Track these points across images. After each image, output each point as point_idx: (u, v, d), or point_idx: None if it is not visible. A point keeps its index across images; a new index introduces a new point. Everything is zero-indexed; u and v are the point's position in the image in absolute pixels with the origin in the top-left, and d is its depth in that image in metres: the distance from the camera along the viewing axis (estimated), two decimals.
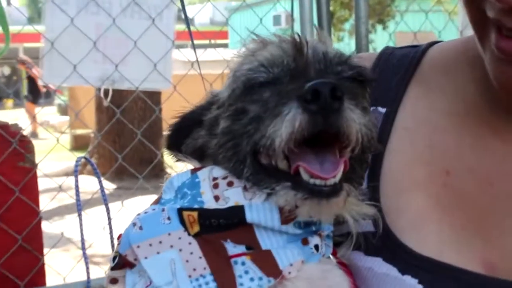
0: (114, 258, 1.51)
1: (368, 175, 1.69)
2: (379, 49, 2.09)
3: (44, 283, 4.10)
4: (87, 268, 4.19)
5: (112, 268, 1.53)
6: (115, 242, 1.57)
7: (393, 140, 1.74)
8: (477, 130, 1.70)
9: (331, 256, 1.54)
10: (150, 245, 1.46)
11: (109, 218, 4.18)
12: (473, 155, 1.67)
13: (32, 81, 25.99)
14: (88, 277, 4.20)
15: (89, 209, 7.72)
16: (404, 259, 1.58)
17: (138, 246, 1.46)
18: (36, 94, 27.56)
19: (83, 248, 4.23)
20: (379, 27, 24.36)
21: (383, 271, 1.59)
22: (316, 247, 1.49)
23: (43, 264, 4.03)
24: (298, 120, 1.36)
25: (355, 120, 1.39)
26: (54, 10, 4.19)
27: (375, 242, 1.60)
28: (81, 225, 4.22)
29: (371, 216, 1.57)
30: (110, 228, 4.12)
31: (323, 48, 1.54)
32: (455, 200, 1.63)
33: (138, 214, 1.53)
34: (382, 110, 1.79)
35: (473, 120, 1.71)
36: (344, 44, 24.17)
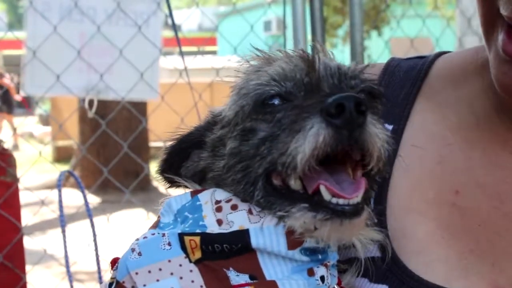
0: (110, 285, 1.50)
1: (376, 194, 1.68)
2: (374, 56, 2.08)
3: None
4: (71, 286, 4.18)
5: None
6: (100, 258, 1.57)
7: (401, 158, 1.73)
8: (487, 145, 1.70)
9: (336, 287, 1.53)
10: (149, 272, 1.44)
11: (94, 234, 4.18)
12: (483, 171, 1.67)
13: (5, 91, 25.77)
14: None
15: (73, 224, 7.71)
16: (411, 286, 1.58)
17: (137, 273, 1.45)
18: (10, 104, 27.32)
19: (67, 265, 4.22)
20: (373, 34, 24.40)
21: None
22: (322, 278, 1.47)
23: (25, 283, 4.01)
24: (322, 135, 1.34)
25: (378, 135, 1.38)
26: (36, 17, 4.18)
27: (382, 268, 1.60)
28: (64, 241, 4.22)
29: (379, 242, 1.56)
30: (95, 244, 4.11)
31: (334, 62, 1.53)
32: (464, 221, 1.63)
33: (137, 239, 1.51)
34: (389, 127, 1.77)
35: (482, 133, 1.72)
36: (337, 51, 24.19)
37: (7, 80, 26.67)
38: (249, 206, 1.48)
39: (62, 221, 4.22)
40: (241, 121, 1.52)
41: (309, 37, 4.70)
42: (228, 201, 1.50)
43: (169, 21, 4.72)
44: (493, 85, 1.61)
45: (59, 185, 4.22)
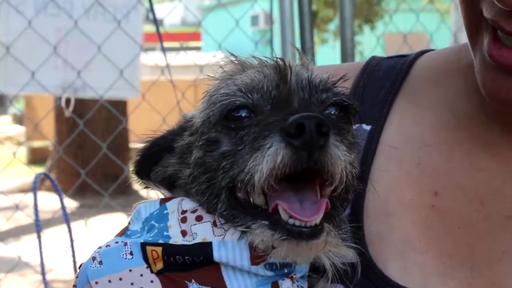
0: None
1: (353, 198, 1.67)
2: (366, 52, 2.09)
3: None
4: None
5: None
6: (78, 265, 1.57)
7: (379, 160, 1.74)
8: (467, 146, 1.72)
9: None
10: (110, 281, 1.45)
11: (71, 239, 4.18)
12: (463, 173, 1.69)
13: None
14: None
15: (49, 230, 7.70)
16: None
17: (97, 282, 1.46)
18: None
19: (43, 273, 4.23)
20: (366, 28, 24.42)
21: None
22: None
23: None
24: (281, 155, 1.34)
25: (341, 158, 1.38)
26: (9, 12, 4.18)
27: (355, 275, 1.58)
28: (40, 247, 4.21)
29: (350, 259, 1.55)
30: (73, 250, 4.12)
31: (307, 74, 1.52)
32: (443, 224, 1.65)
33: (99, 248, 1.51)
34: (367, 127, 1.79)
35: (463, 135, 1.73)
36: (328, 46, 24.21)
37: None
38: (214, 217, 1.48)
39: (38, 226, 4.21)
40: (207, 130, 1.53)
41: (297, 32, 4.71)
42: (193, 211, 1.50)
43: (151, 16, 4.73)
44: (476, 86, 1.63)
45: (34, 188, 4.22)
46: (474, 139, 1.70)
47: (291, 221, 1.38)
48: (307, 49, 4.66)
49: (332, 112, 1.51)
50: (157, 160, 1.66)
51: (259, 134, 1.40)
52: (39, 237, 4.27)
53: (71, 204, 14.93)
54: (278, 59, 1.54)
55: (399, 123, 1.78)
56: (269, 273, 1.46)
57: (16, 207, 5.59)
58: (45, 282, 4.18)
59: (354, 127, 1.71)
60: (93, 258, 1.48)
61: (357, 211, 1.67)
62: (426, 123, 1.77)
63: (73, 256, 4.02)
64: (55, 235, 6.77)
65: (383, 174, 1.72)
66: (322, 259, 1.51)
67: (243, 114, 1.47)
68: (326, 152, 1.35)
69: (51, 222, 6.31)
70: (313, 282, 1.59)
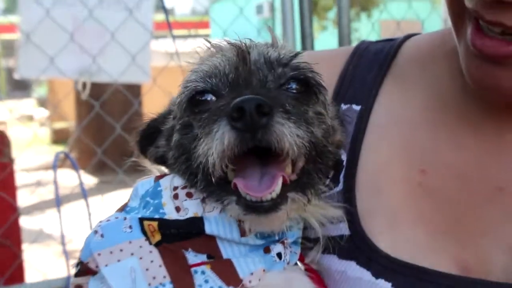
0: (77, 265, 1.51)
1: (344, 175, 1.69)
2: (363, 38, 2.08)
3: (23, 280, 4.11)
4: (67, 265, 4.21)
5: (76, 275, 1.52)
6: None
7: (368, 139, 1.74)
8: (452, 126, 1.70)
9: (298, 263, 1.54)
10: (111, 252, 1.46)
11: (89, 213, 4.21)
12: (449, 151, 1.68)
13: None
14: (69, 274, 4.21)
15: (69, 204, 7.73)
16: (378, 262, 1.58)
17: (99, 254, 1.46)
18: None
19: (63, 244, 4.25)
20: (363, 16, 24.34)
21: (357, 275, 1.59)
22: (279, 255, 1.49)
23: (22, 261, 4.04)
24: (227, 138, 1.35)
25: (287, 134, 1.36)
26: (29, 2, 4.18)
27: (350, 246, 1.61)
28: (60, 220, 4.24)
29: (338, 219, 1.57)
30: (90, 222, 4.14)
31: (267, 52, 1.51)
32: (431, 200, 1.64)
33: (100, 222, 1.53)
34: (357, 108, 1.78)
35: (449, 115, 1.71)
36: (328, 33, 24.10)
37: None
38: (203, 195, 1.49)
39: (58, 200, 4.24)
40: (180, 115, 1.54)
41: (298, 20, 4.70)
42: (183, 188, 1.51)
43: (161, 5, 4.72)
44: (460, 70, 1.62)
45: (54, 166, 4.24)
46: (458, 119, 1.69)
47: (248, 197, 1.38)
48: (306, 35, 4.66)
49: (293, 87, 1.49)
50: (152, 140, 1.67)
51: (210, 119, 1.40)
52: (59, 211, 4.30)
53: (89, 180, 14.99)
54: (242, 42, 1.52)
55: (387, 104, 1.77)
56: (259, 242, 1.47)
57: (39, 184, 5.60)
58: (65, 251, 4.21)
59: (345, 107, 1.70)
60: (95, 232, 1.49)
61: (350, 187, 1.67)
62: (413, 104, 1.76)
63: (91, 228, 4.04)
64: (75, 209, 6.79)
65: (372, 152, 1.71)
66: (311, 221, 1.53)
67: (208, 98, 1.47)
68: (269, 131, 1.34)
69: (71, 197, 6.32)
70: (307, 250, 1.60)
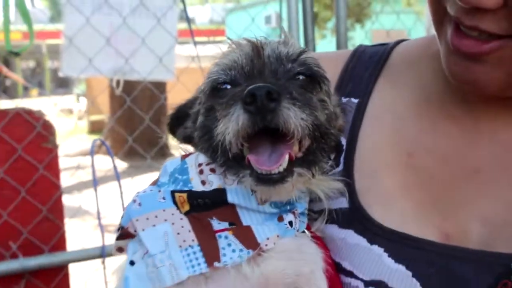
0: (118, 229, 1.52)
1: (344, 158, 1.70)
2: (357, 45, 2.09)
3: (64, 248, 4.12)
4: (103, 236, 4.22)
5: (117, 238, 1.53)
6: None
7: (364, 127, 1.74)
8: (435, 116, 1.70)
9: (306, 231, 1.54)
10: (147, 219, 1.46)
11: (121, 193, 4.21)
12: (432, 138, 1.68)
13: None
14: (103, 244, 4.23)
15: (104, 185, 7.74)
16: (372, 231, 1.58)
17: (137, 220, 1.47)
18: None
19: (99, 219, 4.26)
20: (357, 26, 24.27)
21: (355, 242, 1.59)
22: (290, 223, 1.49)
23: (63, 232, 4.05)
24: (241, 120, 1.37)
25: (292, 117, 1.37)
26: (72, 11, 4.19)
27: (348, 216, 1.62)
28: (96, 199, 4.25)
29: (339, 190, 1.58)
30: (122, 201, 4.14)
31: (279, 48, 1.52)
32: (416, 179, 1.64)
33: (138, 193, 1.53)
34: (355, 101, 1.79)
35: (432, 107, 1.71)
36: (326, 41, 24.05)
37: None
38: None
39: (95, 182, 4.25)
40: (204, 101, 1.55)
41: (302, 29, 4.69)
42: (207, 164, 1.51)
43: (184, 15, 4.71)
44: (442, 68, 1.62)
45: (92, 151, 4.25)
46: (440, 111, 1.69)
47: (259, 170, 1.39)
48: (309, 42, 4.65)
49: (300, 78, 1.50)
50: (181, 122, 1.67)
51: (228, 103, 1.42)
52: (95, 190, 4.31)
53: (121, 165, 15.01)
54: (257, 39, 1.54)
55: (380, 98, 1.78)
56: (274, 210, 1.47)
57: (78, 167, 5.61)
58: (100, 225, 4.22)
59: (345, 100, 1.71)
60: (134, 201, 1.50)
61: (348, 168, 1.67)
62: (402, 98, 1.76)
63: (122, 205, 4.04)
64: (108, 189, 6.81)
65: (368, 139, 1.72)
66: (317, 192, 1.53)
67: (227, 87, 1.49)
68: (277, 114, 1.36)
69: (105, 179, 6.33)
70: (313, 221, 1.60)
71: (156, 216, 1.46)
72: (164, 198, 1.49)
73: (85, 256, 4.14)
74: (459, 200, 1.60)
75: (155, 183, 1.58)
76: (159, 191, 1.51)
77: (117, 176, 4.34)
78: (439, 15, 1.57)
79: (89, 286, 5.60)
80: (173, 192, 1.49)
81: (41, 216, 3.90)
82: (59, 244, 4.00)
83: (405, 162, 1.67)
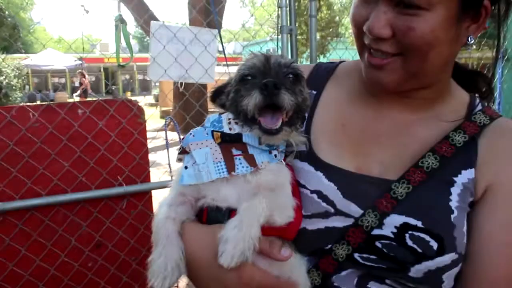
0: (180, 149, 1.52)
1: (305, 126, 1.69)
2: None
3: (149, 180, 4.18)
4: (171, 177, 4.25)
5: (179, 153, 1.53)
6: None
7: (318, 109, 1.74)
8: (359, 104, 1.70)
9: (282, 161, 1.54)
10: (197, 144, 1.47)
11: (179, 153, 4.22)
12: (356, 117, 1.68)
13: (85, 88, 22.54)
14: (172, 179, 4.25)
15: (171, 148, 7.76)
16: (318, 164, 1.59)
17: (191, 144, 1.47)
18: (86, 94, 22.67)
19: (169, 166, 4.27)
20: (321, 56, 24.01)
21: (307, 169, 1.59)
22: (275, 156, 1.50)
23: (149, 172, 4.10)
24: (258, 98, 1.38)
25: (286, 99, 1.39)
26: (155, 41, 4.20)
27: (305, 156, 1.62)
28: (168, 155, 4.27)
29: (302, 141, 1.57)
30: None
31: (279, 59, 1.51)
32: (345, 137, 1.65)
33: (192, 130, 1.52)
34: (314, 92, 1.78)
35: (357, 99, 1.72)
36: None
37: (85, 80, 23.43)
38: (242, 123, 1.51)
39: (167, 144, 4.28)
40: (234, 84, 1.53)
41: (289, 56, 4.66)
42: (234, 119, 1.51)
43: (220, 47, 4.70)
44: (364, 77, 1.63)
45: (165, 124, 4.27)
46: (362, 100, 1.69)
47: (264, 126, 1.40)
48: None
49: (290, 77, 1.50)
50: (219, 95, 1.64)
51: (250, 88, 1.41)
52: (168, 151, 4.33)
53: (181, 136, 14.95)
54: (267, 53, 1.53)
55: (328, 93, 1.77)
56: (267, 148, 1.48)
57: (154, 137, 5.58)
58: (170, 172, 4.25)
59: (308, 91, 1.70)
60: (190, 133, 1.49)
61: (308, 130, 1.67)
62: (341, 93, 1.75)
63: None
64: (173, 151, 6.83)
65: (319, 116, 1.71)
66: (291, 141, 1.53)
67: (249, 78, 1.47)
68: (279, 96, 1.37)
69: (171, 144, 6.35)
70: (287, 157, 1.59)
71: (202, 143, 1.47)
72: (207, 134, 1.49)
73: (160, 185, 4.18)
74: (368, 150, 1.61)
75: (202, 125, 1.58)
76: (205, 129, 1.51)
77: (180, 141, 4.35)
78: (361, 45, 1.56)
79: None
80: (212, 131, 1.49)
81: (135, 161, 3.94)
82: (146, 178, 4.05)
83: (340, 129, 1.67)
